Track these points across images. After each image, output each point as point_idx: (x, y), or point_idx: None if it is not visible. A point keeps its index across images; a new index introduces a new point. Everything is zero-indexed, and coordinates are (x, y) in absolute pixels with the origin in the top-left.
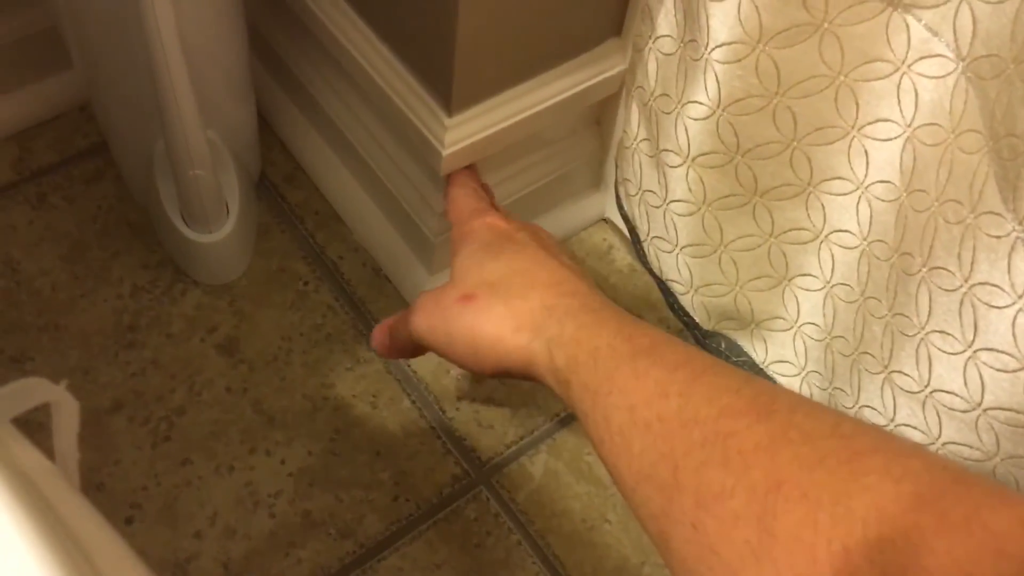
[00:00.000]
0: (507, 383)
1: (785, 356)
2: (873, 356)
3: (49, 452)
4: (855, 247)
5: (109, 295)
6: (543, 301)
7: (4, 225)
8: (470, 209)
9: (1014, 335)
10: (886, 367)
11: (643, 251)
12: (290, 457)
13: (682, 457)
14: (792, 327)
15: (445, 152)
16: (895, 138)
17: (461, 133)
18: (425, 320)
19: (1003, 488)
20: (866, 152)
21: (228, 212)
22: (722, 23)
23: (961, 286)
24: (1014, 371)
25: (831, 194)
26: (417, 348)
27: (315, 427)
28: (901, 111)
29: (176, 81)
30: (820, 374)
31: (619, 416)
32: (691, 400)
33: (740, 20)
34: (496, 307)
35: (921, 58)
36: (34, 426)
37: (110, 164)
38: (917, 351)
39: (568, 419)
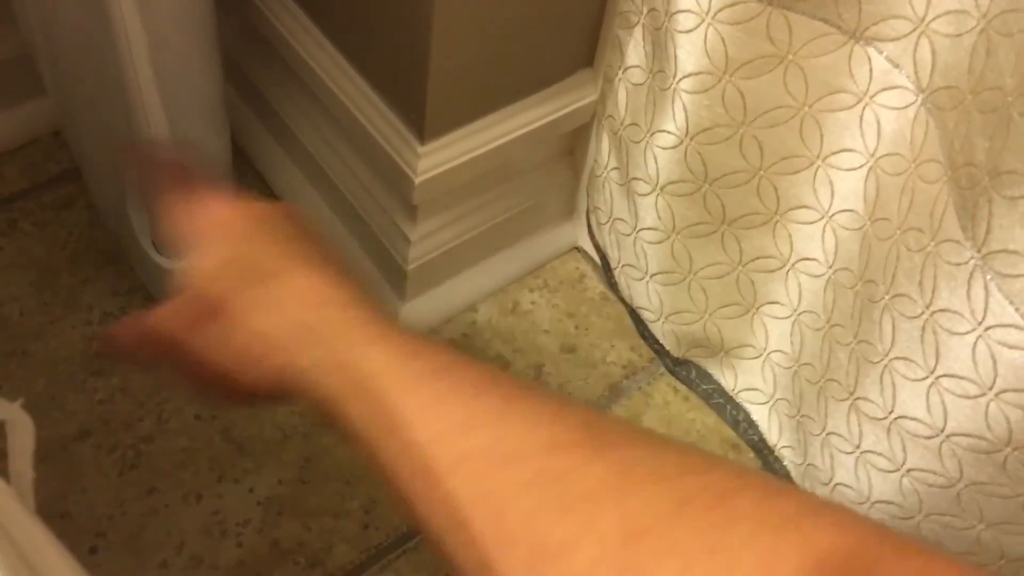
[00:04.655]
0: None
1: (754, 384)
2: (839, 383)
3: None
4: (821, 275)
5: (78, 322)
6: (295, 315)
7: None
8: (182, 197)
9: (974, 361)
10: (851, 394)
11: (614, 279)
12: (259, 485)
13: (507, 502)
14: (761, 355)
15: (417, 180)
16: (858, 168)
17: (433, 161)
18: (159, 342)
19: (890, 533)
20: (831, 181)
21: None
22: (689, 54)
23: (923, 313)
24: (975, 397)
25: (797, 223)
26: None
27: (285, 455)
28: (864, 141)
29: (148, 108)
30: (788, 401)
31: (416, 452)
32: (506, 431)
33: (707, 51)
34: (248, 322)
35: (883, 89)
36: None
37: (82, 191)
38: (881, 378)
39: None
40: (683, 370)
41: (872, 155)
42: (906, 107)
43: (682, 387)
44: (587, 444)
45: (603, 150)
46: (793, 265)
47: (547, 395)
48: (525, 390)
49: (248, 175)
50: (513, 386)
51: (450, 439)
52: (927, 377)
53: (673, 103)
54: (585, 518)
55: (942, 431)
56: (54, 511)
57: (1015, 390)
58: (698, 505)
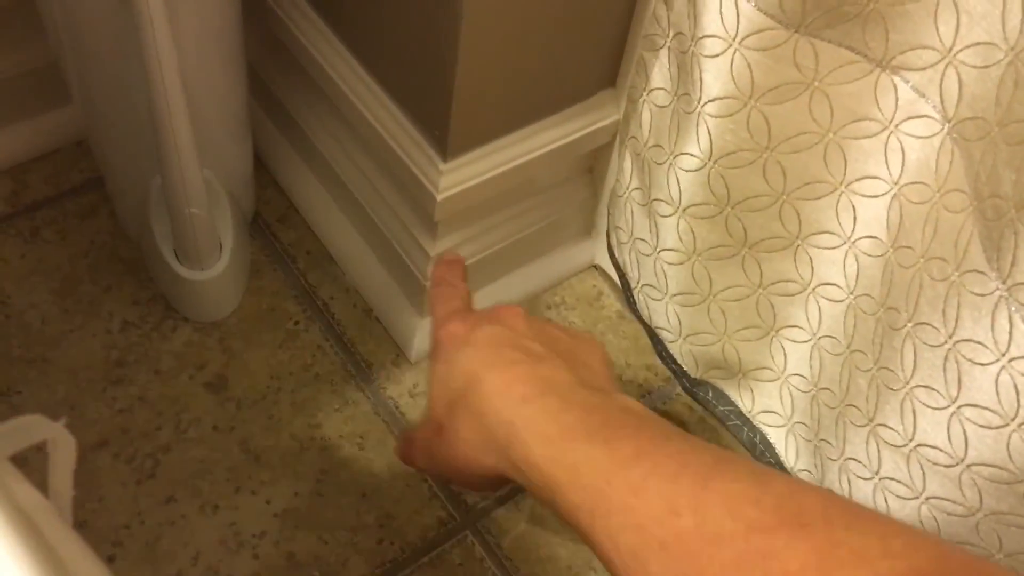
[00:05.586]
0: None
1: (772, 407)
2: (858, 409)
3: (38, 487)
4: (842, 300)
5: (98, 330)
6: (498, 417)
7: None
8: (441, 315)
9: (997, 392)
10: (871, 420)
11: (633, 298)
12: (275, 497)
13: None
14: (779, 378)
15: (440, 196)
16: (882, 195)
17: (456, 178)
18: (421, 461)
19: None
20: (854, 208)
21: (221, 250)
22: (715, 78)
23: (945, 342)
24: (997, 428)
25: (819, 248)
26: None
27: (301, 467)
28: (888, 169)
29: (176, 119)
30: (806, 425)
31: (627, 537)
32: (708, 514)
33: (733, 76)
34: (460, 433)
35: (908, 118)
36: (17, 461)
37: (104, 200)
38: (902, 405)
39: None
40: (700, 391)
41: (896, 183)
42: (931, 136)
43: (698, 407)
44: (785, 527)
45: (625, 170)
46: (814, 289)
47: (737, 474)
48: (716, 467)
49: (268, 185)
50: (704, 465)
51: (655, 524)
52: (949, 406)
53: (697, 126)
54: None
55: (963, 460)
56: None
57: None
58: None
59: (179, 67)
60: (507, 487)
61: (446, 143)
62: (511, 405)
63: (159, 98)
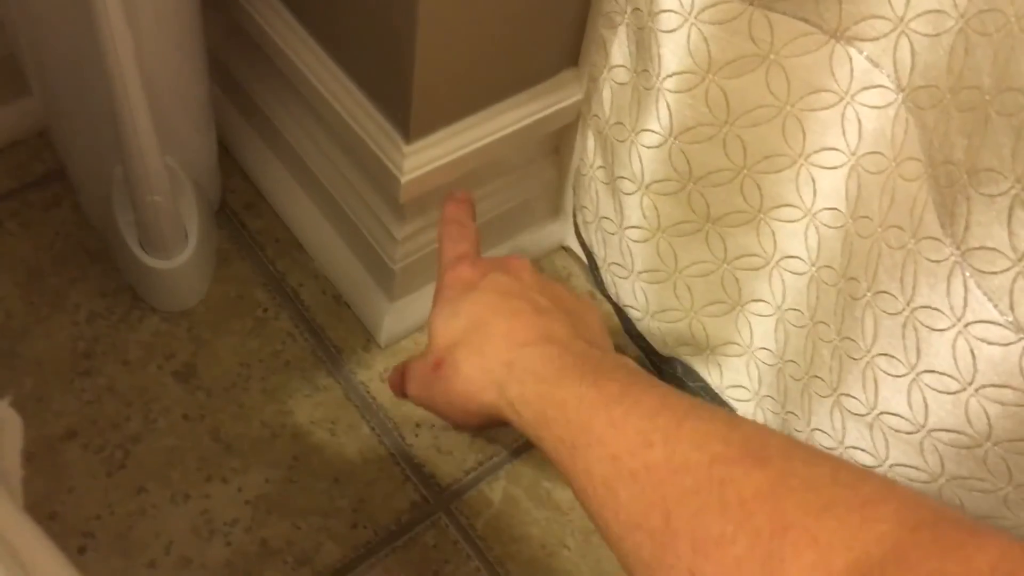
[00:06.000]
0: None
1: (740, 381)
2: (823, 380)
3: None
4: (804, 273)
5: (65, 322)
6: (499, 357)
7: None
8: (448, 257)
9: (954, 357)
10: (835, 390)
11: (600, 277)
12: (247, 485)
13: (675, 504)
14: (746, 352)
15: (404, 179)
16: (840, 166)
17: (419, 160)
18: (413, 389)
19: (989, 529)
20: (813, 180)
21: (187, 239)
22: (673, 53)
23: (903, 310)
24: (955, 393)
25: (781, 221)
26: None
27: (273, 454)
28: (846, 140)
29: (134, 107)
30: (773, 398)
31: (602, 467)
32: (678, 448)
33: (690, 51)
34: (461, 369)
35: (864, 89)
36: None
37: (68, 191)
38: (864, 374)
39: (527, 446)
40: (669, 368)
41: (854, 153)
42: (887, 106)
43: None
44: (747, 458)
45: (589, 149)
46: (777, 263)
47: (711, 415)
48: (693, 410)
49: (235, 173)
50: (682, 408)
51: (629, 455)
52: (908, 373)
53: (657, 102)
54: (741, 517)
55: (923, 427)
56: (42, 512)
57: (995, 385)
58: (841, 509)
59: (136, 54)
60: (492, 428)
61: (408, 125)
62: (512, 347)
63: (116, 85)
